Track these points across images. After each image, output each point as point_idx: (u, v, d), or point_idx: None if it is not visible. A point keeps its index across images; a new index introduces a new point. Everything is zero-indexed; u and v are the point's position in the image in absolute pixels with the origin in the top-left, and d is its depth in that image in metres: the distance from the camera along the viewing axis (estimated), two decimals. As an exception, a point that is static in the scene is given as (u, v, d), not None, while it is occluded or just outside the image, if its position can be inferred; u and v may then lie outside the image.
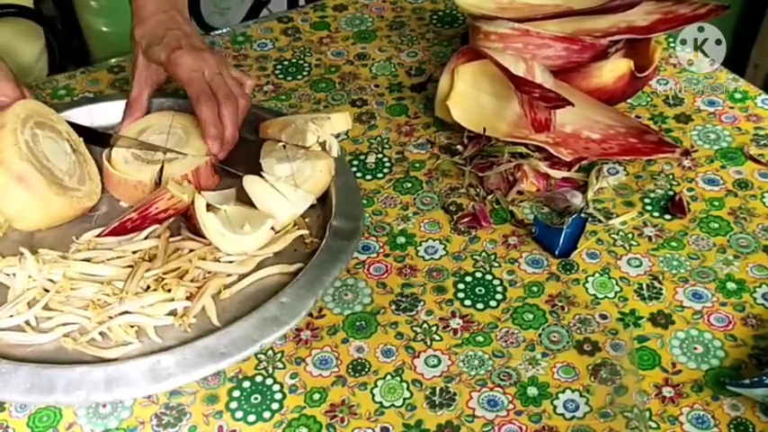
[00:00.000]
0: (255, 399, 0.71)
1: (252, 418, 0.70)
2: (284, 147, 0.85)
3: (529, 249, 0.84)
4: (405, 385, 0.72)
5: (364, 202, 0.88)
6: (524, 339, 0.76)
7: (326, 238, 0.79)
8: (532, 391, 0.72)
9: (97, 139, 0.89)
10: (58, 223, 0.82)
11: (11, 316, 0.73)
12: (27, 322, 0.73)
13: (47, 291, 0.75)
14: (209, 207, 0.79)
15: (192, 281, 0.76)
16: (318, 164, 0.84)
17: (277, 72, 1.07)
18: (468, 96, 0.93)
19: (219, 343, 0.70)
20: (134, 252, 0.79)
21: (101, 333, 0.73)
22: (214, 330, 0.72)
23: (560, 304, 0.79)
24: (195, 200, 0.78)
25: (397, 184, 0.92)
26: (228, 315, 0.74)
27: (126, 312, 0.73)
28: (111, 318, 0.73)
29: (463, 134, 0.93)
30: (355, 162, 0.94)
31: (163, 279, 0.75)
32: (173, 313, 0.74)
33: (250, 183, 0.82)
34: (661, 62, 1.05)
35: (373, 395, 0.71)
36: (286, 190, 0.81)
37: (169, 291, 0.75)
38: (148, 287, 0.75)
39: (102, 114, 0.94)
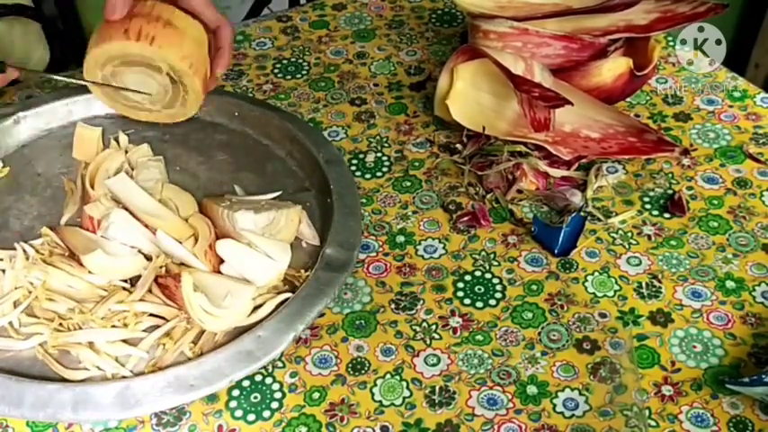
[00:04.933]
0: (255, 398, 0.71)
1: (251, 417, 0.70)
2: (232, 201, 0.82)
3: (528, 248, 0.84)
4: (404, 384, 0.72)
5: (363, 201, 0.88)
6: (524, 338, 0.76)
7: (316, 269, 0.76)
8: (532, 389, 0.72)
9: None
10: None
11: None
12: (11, 324, 0.73)
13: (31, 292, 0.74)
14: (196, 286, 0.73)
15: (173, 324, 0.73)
16: (290, 212, 0.80)
17: (276, 71, 1.07)
18: (468, 95, 0.93)
19: (190, 374, 0.68)
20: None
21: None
22: (186, 360, 0.71)
23: (560, 303, 0.79)
24: (182, 278, 0.71)
25: (396, 182, 0.92)
26: (204, 338, 0.73)
27: (88, 342, 0.72)
28: (73, 344, 0.71)
29: (462, 133, 0.93)
30: (354, 161, 0.94)
31: (136, 316, 0.73)
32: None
33: (224, 247, 0.77)
34: (660, 61, 1.06)
35: (373, 394, 0.72)
36: (264, 245, 0.77)
37: (137, 324, 0.73)
38: (120, 321, 0.73)
39: (95, 104, 0.94)
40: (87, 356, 0.71)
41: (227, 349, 0.70)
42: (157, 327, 0.73)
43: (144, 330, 0.73)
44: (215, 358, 0.70)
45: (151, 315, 0.74)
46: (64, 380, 0.70)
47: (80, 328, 0.72)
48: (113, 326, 0.72)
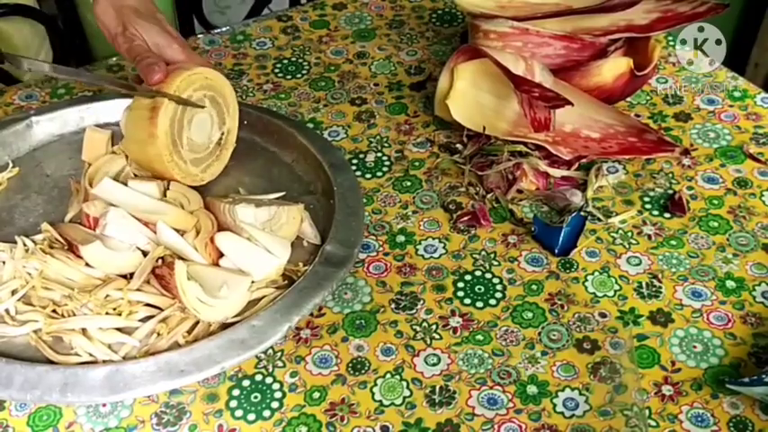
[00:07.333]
0: (255, 397, 0.71)
1: (252, 416, 0.70)
2: (235, 199, 0.82)
3: (528, 248, 0.84)
4: (404, 384, 0.72)
5: (363, 201, 0.88)
6: (524, 338, 0.76)
7: (315, 263, 0.77)
8: (532, 389, 0.72)
9: None
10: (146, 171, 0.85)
11: None
12: (6, 311, 0.73)
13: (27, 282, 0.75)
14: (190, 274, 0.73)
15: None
16: (293, 210, 0.81)
17: (276, 71, 1.07)
18: (468, 95, 0.93)
19: (181, 360, 0.68)
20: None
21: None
22: (178, 346, 0.71)
23: (560, 303, 0.79)
24: (175, 266, 0.71)
25: (396, 182, 0.92)
26: (198, 329, 0.73)
27: (81, 329, 0.72)
28: (67, 331, 0.72)
29: (463, 133, 0.93)
30: (355, 161, 0.94)
31: (131, 304, 0.73)
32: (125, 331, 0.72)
33: (222, 239, 0.77)
34: (660, 61, 1.06)
35: (373, 394, 0.72)
36: (264, 239, 0.77)
37: (131, 314, 0.73)
38: (115, 309, 0.73)
39: (105, 112, 0.94)
40: (79, 342, 0.71)
41: (220, 337, 0.70)
42: (153, 317, 0.73)
43: (140, 320, 0.73)
44: (207, 345, 0.69)
45: (147, 305, 0.74)
46: (53, 363, 0.70)
47: (74, 315, 0.72)
48: (107, 313, 0.72)
